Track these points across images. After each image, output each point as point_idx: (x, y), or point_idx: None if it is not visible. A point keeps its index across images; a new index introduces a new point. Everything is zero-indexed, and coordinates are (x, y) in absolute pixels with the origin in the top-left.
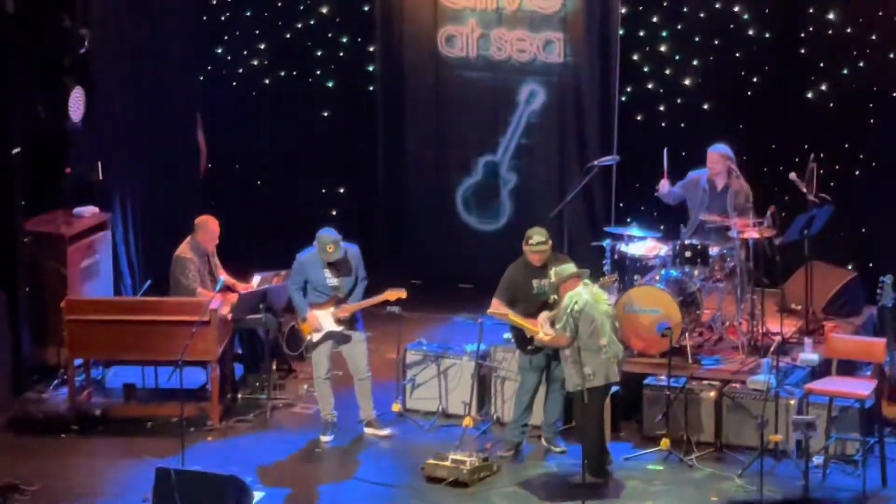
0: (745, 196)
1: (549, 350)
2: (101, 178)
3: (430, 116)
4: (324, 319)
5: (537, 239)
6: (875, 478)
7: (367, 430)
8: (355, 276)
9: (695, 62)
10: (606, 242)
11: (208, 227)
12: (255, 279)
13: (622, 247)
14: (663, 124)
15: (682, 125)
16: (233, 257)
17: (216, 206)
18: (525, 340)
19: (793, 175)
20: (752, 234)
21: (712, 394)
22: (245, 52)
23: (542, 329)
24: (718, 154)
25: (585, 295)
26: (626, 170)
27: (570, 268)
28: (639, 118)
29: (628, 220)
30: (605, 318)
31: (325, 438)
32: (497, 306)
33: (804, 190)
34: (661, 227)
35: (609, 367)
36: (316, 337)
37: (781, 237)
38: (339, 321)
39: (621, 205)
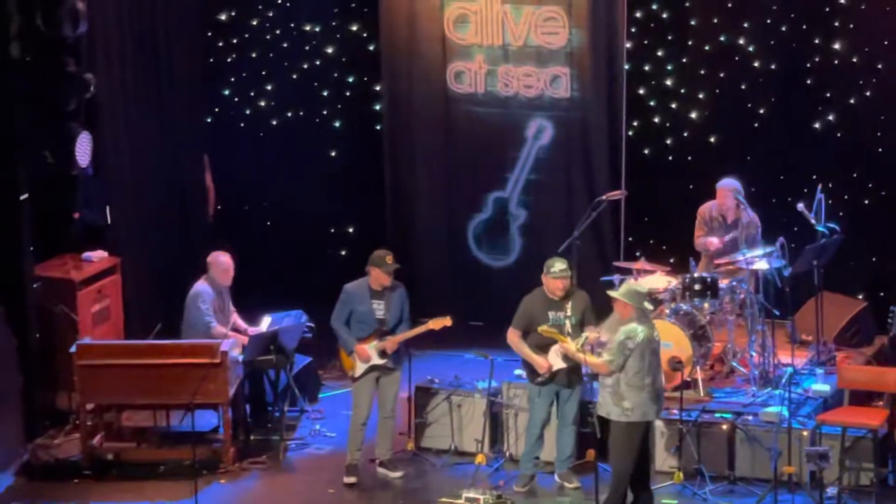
0: (755, 228)
1: (560, 382)
2: (109, 222)
3: (439, 153)
4: (370, 352)
5: (559, 266)
6: None
7: (380, 470)
8: (401, 313)
9: (701, 95)
10: (616, 277)
11: (219, 262)
12: (266, 320)
13: (631, 281)
14: (670, 158)
15: (689, 158)
16: (243, 298)
17: (225, 247)
18: (535, 371)
19: (801, 206)
20: (763, 265)
21: (725, 426)
22: (252, 94)
23: (578, 352)
24: (728, 189)
25: (641, 333)
26: (635, 203)
27: (638, 290)
28: (646, 152)
29: (637, 253)
30: (655, 357)
31: (349, 480)
32: (512, 336)
33: (812, 221)
34: (671, 261)
35: (648, 406)
36: (359, 371)
37: (791, 268)
38: (383, 354)
39: (630, 239)
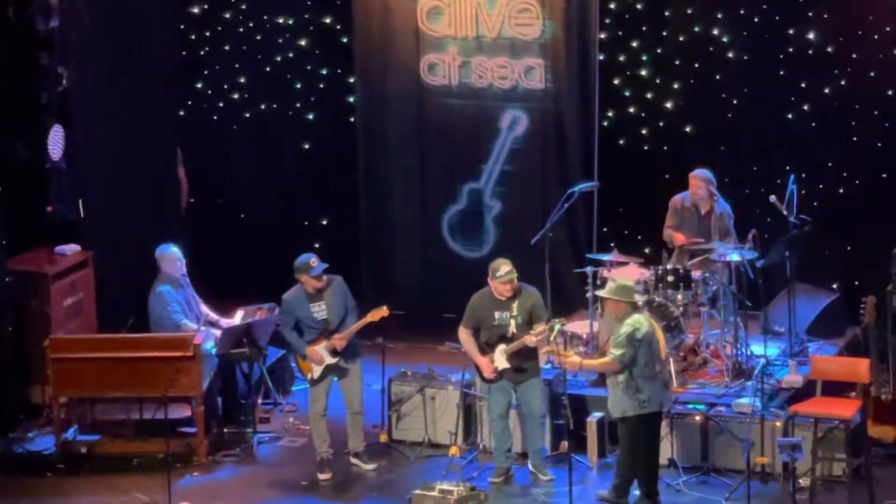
0: (727, 219)
1: (509, 380)
2: (82, 215)
3: (413, 145)
4: (322, 353)
5: (505, 269)
6: (862, 499)
7: (353, 461)
8: (344, 307)
9: (675, 85)
10: (589, 269)
11: (168, 255)
12: (239, 313)
13: (604, 273)
14: (645, 147)
15: (665, 148)
16: (216, 291)
17: (199, 240)
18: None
19: (773, 198)
20: (735, 257)
21: (698, 418)
22: (225, 87)
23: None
24: (700, 179)
25: (645, 322)
26: (609, 195)
27: (625, 285)
28: (621, 142)
29: (611, 245)
30: (660, 345)
31: (323, 476)
32: (462, 334)
33: (784, 212)
34: (646, 252)
35: (663, 393)
36: (317, 372)
37: (763, 259)
38: (335, 352)
39: (605, 229)
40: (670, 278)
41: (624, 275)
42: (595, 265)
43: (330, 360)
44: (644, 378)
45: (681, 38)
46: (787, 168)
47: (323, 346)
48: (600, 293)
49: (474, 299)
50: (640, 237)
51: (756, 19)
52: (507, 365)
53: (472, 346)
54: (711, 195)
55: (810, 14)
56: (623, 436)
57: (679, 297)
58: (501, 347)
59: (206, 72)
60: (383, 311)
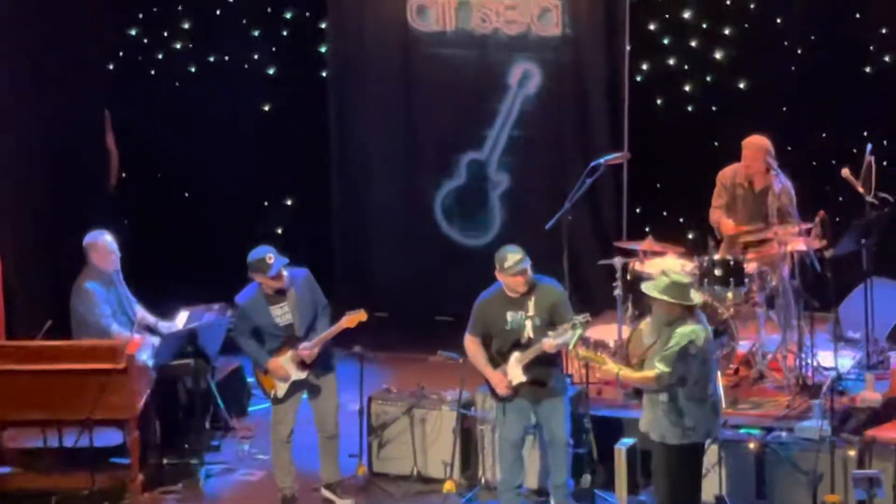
0: (788, 198)
1: (526, 397)
2: None
3: (399, 106)
4: (287, 367)
5: (515, 258)
6: None
7: (326, 494)
8: (313, 308)
9: (726, 31)
10: (617, 260)
11: (99, 244)
12: (182, 316)
13: (636, 265)
14: (689, 108)
15: (714, 109)
16: (153, 288)
17: (132, 224)
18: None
19: (846, 171)
20: (799, 245)
21: (752, 445)
22: (165, 34)
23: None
24: (755, 148)
25: (703, 334)
26: (642, 168)
27: (678, 281)
28: (658, 102)
29: (645, 229)
30: (713, 362)
31: None
32: (469, 344)
33: (860, 189)
34: (689, 237)
35: (712, 420)
36: (281, 390)
37: (834, 248)
38: (303, 365)
39: (638, 210)
40: (718, 272)
41: (658, 269)
42: (625, 255)
43: (297, 374)
44: (692, 401)
45: None
46: (865, 135)
47: (288, 357)
48: (648, 290)
49: (480, 301)
50: (680, 220)
51: None
52: (522, 378)
53: (482, 357)
54: (769, 168)
55: None
56: (659, 463)
57: (729, 295)
58: (515, 356)
59: (140, 15)
60: (360, 315)
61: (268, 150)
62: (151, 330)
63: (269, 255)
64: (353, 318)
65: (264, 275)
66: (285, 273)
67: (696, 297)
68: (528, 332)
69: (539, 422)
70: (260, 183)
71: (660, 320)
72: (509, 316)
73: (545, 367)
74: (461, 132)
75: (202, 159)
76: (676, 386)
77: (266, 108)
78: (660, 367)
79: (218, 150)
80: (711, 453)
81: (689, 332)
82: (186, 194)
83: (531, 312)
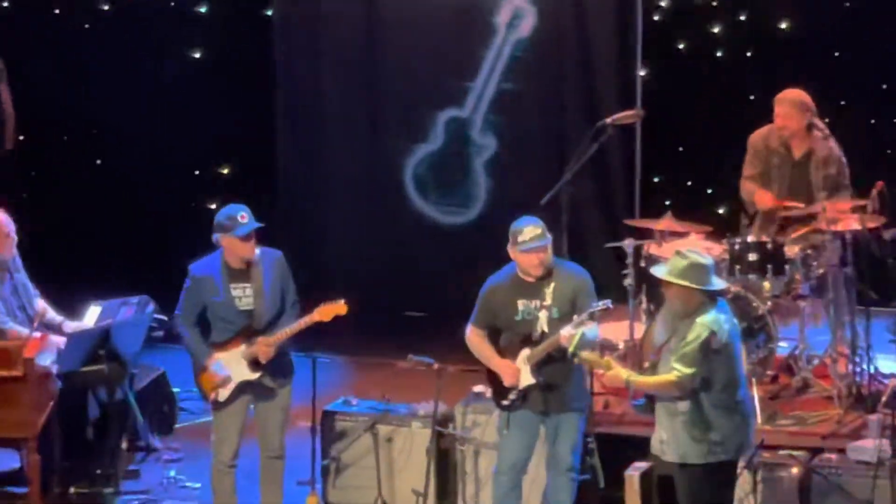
0: (837, 166)
1: (535, 408)
2: None
3: (360, 54)
4: (233, 365)
5: (532, 232)
6: None
7: None
8: (280, 299)
9: None
10: (628, 242)
11: None
12: (92, 311)
13: (652, 248)
14: (718, 54)
15: (748, 55)
16: (57, 278)
17: (31, 197)
18: (502, 390)
19: None
20: (852, 223)
21: (795, 469)
22: None
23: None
24: (791, 105)
25: (727, 325)
26: (660, 129)
27: (698, 262)
28: (680, 47)
29: (665, 203)
30: (741, 360)
31: None
32: (472, 336)
33: None
34: (719, 213)
35: (744, 434)
36: (223, 394)
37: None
38: (256, 365)
39: (656, 179)
40: (753, 257)
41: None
42: (638, 237)
43: (246, 375)
44: (719, 409)
45: None
46: None
47: (239, 352)
48: (661, 274)
49: (489, 284)
50: (709, 191)
51: None
52: (531, 380)
53: (487, 347)
54: (810, 129)
55: None
56: (682, 491)
57: (766, 285)
58: (524, 354)
59: None
60: (339, 308)
61: (199, 106)
62: (55, 329)
63: (242, 212)
64: (329, 309)
65: (231, 234)
66: (256, 250)
67: (719, 282)
68: (542, 325)
69: (546, 438)
70: (190, 147)
71: (675, 312)
72: (521, 305)
73: (561, 370)
74: (437, 85)
75: (118, 119)
76: (700, 391)
77: (197, 56)
78: (679, 369)
79: (138, 107)
80: (744, 480)
81: (711, 321)
82: (99, 162)
83: (548, 302)
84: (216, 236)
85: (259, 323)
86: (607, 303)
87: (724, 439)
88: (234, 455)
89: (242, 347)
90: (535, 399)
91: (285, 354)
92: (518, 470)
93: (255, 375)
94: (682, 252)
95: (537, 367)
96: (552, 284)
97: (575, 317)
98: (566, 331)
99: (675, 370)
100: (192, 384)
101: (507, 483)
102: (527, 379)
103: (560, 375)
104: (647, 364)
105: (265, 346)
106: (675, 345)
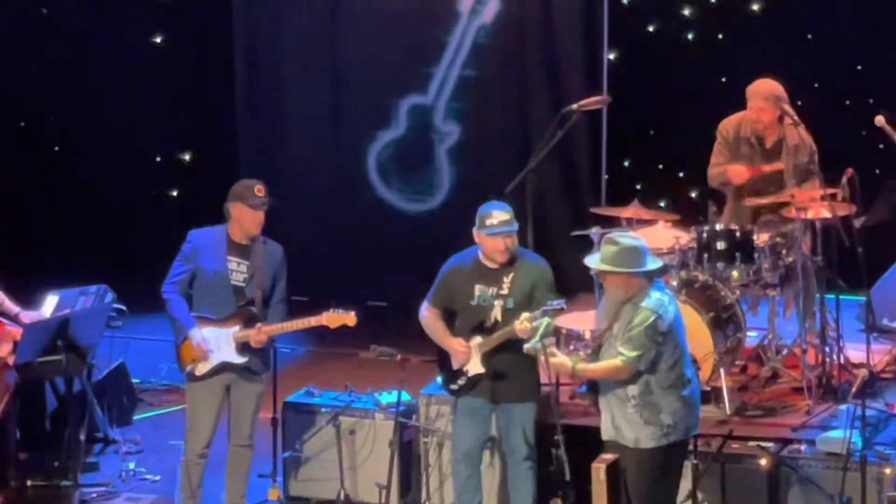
0: (807, 154)
1: (482, 395)
2: None
3: (322, 38)
4: (221, 342)
5: (499, 217)
6: None
7: None
8: (271, 287)
9: None
10: (594, 231)
11: None
12: (50, 301)
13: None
14: (689, 37)
15: (720, 37)
16: (13, 267)
17: None
18: (451, 373)
19: (880, 118)
20: (822, 211)
21: (764, 461)
22: None
23: (540, 351)
24: (763, 96)
25: (671, 306)
26: (629, 115)
27: (630, 245)
28: (649, 29)
29: (636, 188)
30: (683, 339)
31: None
32: (428, 314)
33: None
34: (691, 197)
35: (690, 413)
36: (201, 368)
37: (865, 216)
38: (244, 349)
39: (626, 164)
40: (721, 245)
41: (647, 239)
42: (605, 225)
43: (234, 357)
44: (666, 389)
45: None
46: None
47: (231, 332)
48: (592, 263)
49: (450, 264)
50: (680, 175)
51: None
52: (481, 370)
53: (440, 325)
54: (783, 117)
55: None
56: (633, 475)
57: (734, 274)
58: (476, 341)
59: None
60: (348, 318)
61: (160, 92)
62: (12, 319)
63: (259, 185)
64: (337, 318)
65: (245, 203)
66: (262, 236)
67: (654, 261)
68: (497, 313)
69: (498, 428)
70: (150, 134)
71: (615, 299)
72: (478, 290)
73: (511, 360)
74: (400, 71)
75: (77, 105)
76: (647, 373)
77: (157, 41)
78: (625, 353)
79: (97, 92)
80: (713, 472)
81: (655, 304)
82: (57, 148)
83: (504, 291)
84: (227, 204)
85: (244, 301)
86: (561, 303)
87: (675, 420)
88: (205, 444)
89: (237, 328)
90: (484, 388)
91: (271, 343)
92: (473, 458)
93: (242, 360)
94: (611, 238)
95: (487, 357)
96: (511, 274)
97: (527, 313)
98: (522, 321)
99: (620, 354)
100: (151, 375)
101: (465, 471)
102: (476, 367)
103: (510, 366)
104: (589, 350)
105: (262, 334)
106: (618, 330)
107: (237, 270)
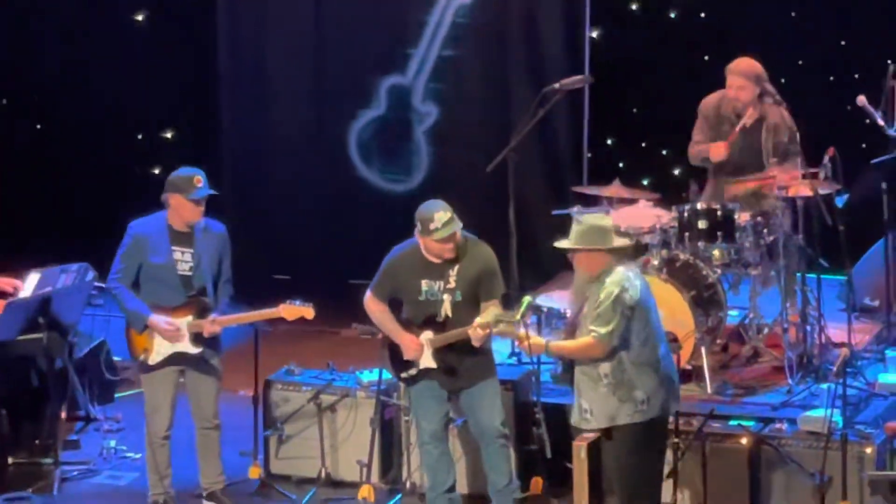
0: (788, 133)
1: (437, 380)
2: None
3: (304, 17)
4: (181, 329)
5: (442, 219)
6: None
7: None
8: (218, 266)
9: None
10: (575, 210)
11: None
12: (31, 279)
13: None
14: (671, 15)
15: (702, 15)
16: None
17: None
18: (402, 363)
19: (862, 98)
20: (803, 190)
21: (744, 440)
22: None
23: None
24: (743, 74)
25: (637, 281)
26: (612, 93)
27: (597, 224)
28: (632, 7)
29: (619, 166)
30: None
31: None
32: (371, 304)
33: (880, 121)
34: (674, 174)
35: (669, 390)
36: (154, 358)
37: (847, 195)
38: (197, 339)
39: (609, 142)
40: (702, 224)
41: (628, 220)
42: (586, 204)
43: (189, 347)
44: (641, 366)
45: None
46: (887, 59)
47: (185, 321)
48: (561, 244)
49: (392, 257)
50: (664, 153)
51: None
52: (432, 365)
53: (388, 318)
54: (763, 94)
55: None
56: (611, 455)
57: (716, 252)
58: (426, 336)
59: None
60: (306, 311)
61: (141, 70)
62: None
63: (198, 175)
64: (294, 310)
65: (185, 196)
66: (207, 187)
67: (621, 240)
68: (447, 308)
69: (464, 413)
70: (132, 111)
71: (583, 280)
72: (424, 285)
73: (463, 351)
74: (380, 50)
75: (59, 83)
76: (620, 349)
77: (139, 18)
78: (595, 329)
79: (78, 70)
80: (694, 452)
81: (621, 278)
82: (39, 126)
83: (451, 284)
84: (166, 195)
85: (193, 289)
86: (530, 298)
87: (649, 396)
88: (167, 426)
89: (189, 318)
90: (436, 380)
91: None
92: (441, 436)
93: (197, 350)
94: (577, 218)
95: (438, 352)
96: (457, 266)
97: (480, 319)
98: (474, 327)
99: (592, 332)
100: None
101: (434, 451)
102: (427, 361)
103: (462, 357)
104: (564, 335)
105: (215, 326)
106: (588, 309)
107: (182, 260)
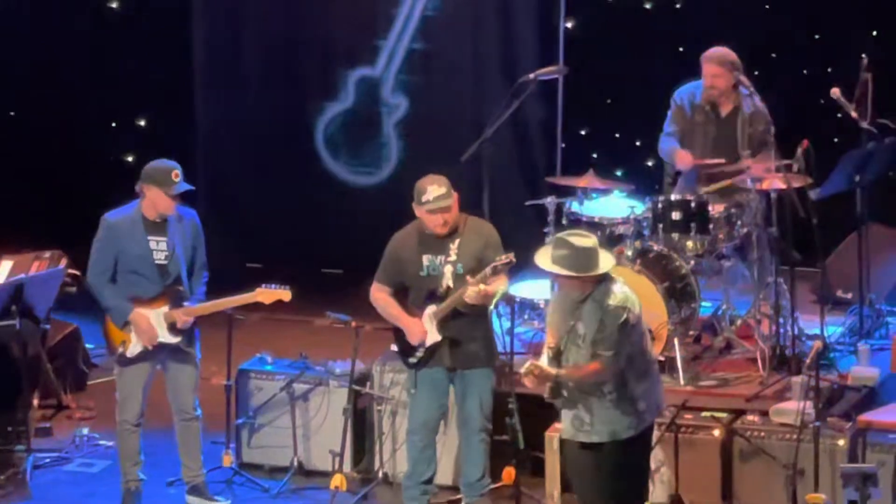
0: (762, 124)
1: (442, 363)
2: None
3: (275, 8)
4: (157, 325)
5: (436, 192)
6: None
7: (191, 500)
8: (192, 255)
9: None
10: (549, 200)
11: None
12: (4, 266)
13: (573, 206)
14: (647, 6)
15: (677, 6)
16: None
17: None
18: (409, 347)
19: (836, 91)
20: (776, 182)
21: (717, 432)
22: None
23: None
24: (718, 63)
25: (633, 295)
26: (583, 87)
27: (579, 246)
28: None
29: (594, 155)
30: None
31: None
32: (377, 293)
33: (853, 114)
34: (648, 165)
35: (659, 392)
36: (132, 350)
37: (821, 187)
38: (174, 329)
39: (583, 133)
40: (676, 216)
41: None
42: (560, 194)
43: (167, 337)
44: (639, 378)
45: None
46: (861, 54)
47: (160, 312)
48: (545, 264)
49: (394, 240)
50: (637, 143)
51: None
52: (437, 337)
53: (392, 304)
54: (737, 85)
55: None
56: (609, 467)
57: (689, 244)
58: (430, 310)
59: None
60: (283, 294)
61: (117, 58)
62: None
63: (175, 170)
64: (271, 294)
65: (162, 189)
66: (182, 184)
67: (607, 259)
68: (448, 280)
69: (456, 396)
70: (105, 99)
71: (570, 299)
72: (426, 260)
73: (467, 325)
74: (348, 42)
75: (33, 70)
76: (625, 368)
77: (114, 6)
78: (604, 353)
79: (52, 57)
80: (666, 443)
81: (623, 299)
82: (12, 114)
83: (452, 257)
84: (141, 186)
85: (170, 278)
86: (510, 255)
87: (647, 406)
88: (139, 414)
89: (165, 308)
90: (442, 355)
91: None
92: (430, 429)
93: (175, 340)
94: (562, 239)
95: (443, 323)
96: (458, 240)
97: (470, 277)
98: (470, 286)
99: (599, 356)
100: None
101: (420, 442)
102: (433, 336)
103: (466, 331)
104: (552, 346)
105: (189, 315)
106: (585, 330)
107: (157, 249)
